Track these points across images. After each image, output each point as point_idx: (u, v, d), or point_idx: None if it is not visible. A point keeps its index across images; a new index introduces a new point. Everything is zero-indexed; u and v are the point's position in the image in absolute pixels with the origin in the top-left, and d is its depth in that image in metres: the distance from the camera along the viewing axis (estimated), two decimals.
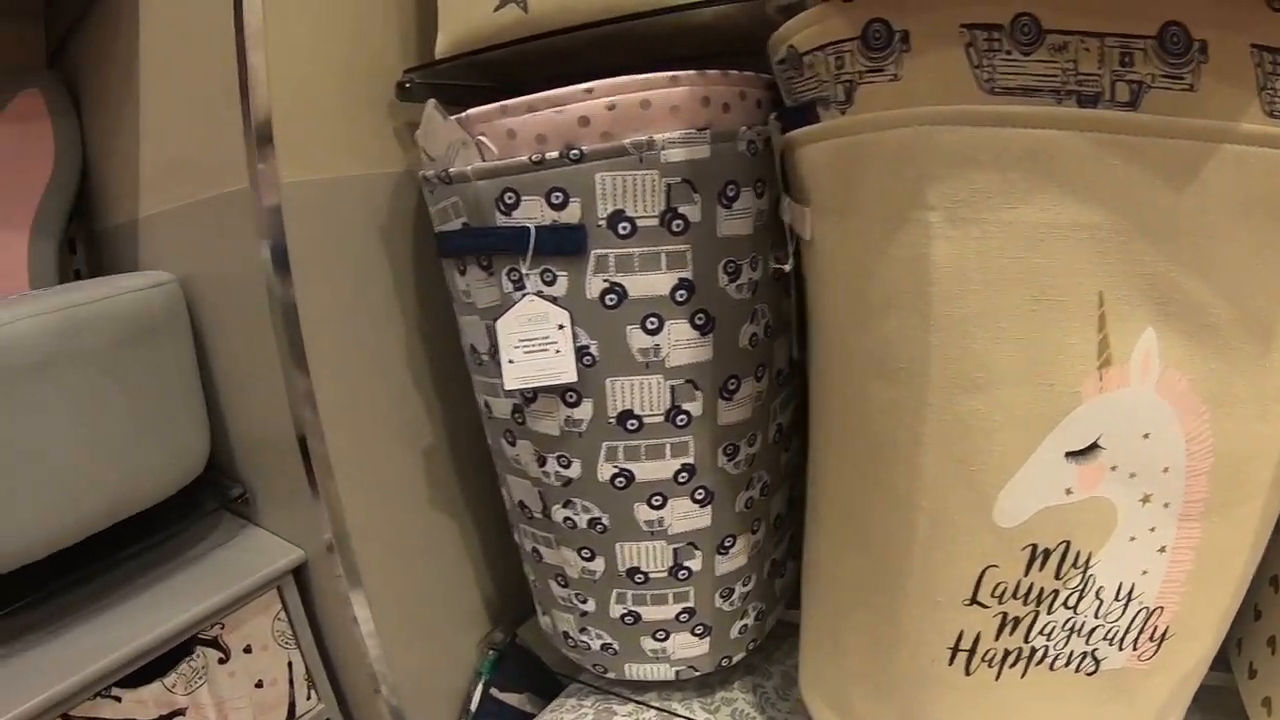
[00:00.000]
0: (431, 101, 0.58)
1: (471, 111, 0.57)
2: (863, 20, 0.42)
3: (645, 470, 0.60)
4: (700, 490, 0.62)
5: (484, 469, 0.80)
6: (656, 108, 0.54)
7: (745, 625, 0.69)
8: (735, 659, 0.71)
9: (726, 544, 0.65)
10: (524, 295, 0.57)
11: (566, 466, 0.61)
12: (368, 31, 0.68)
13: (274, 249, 0.61)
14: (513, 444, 0.64)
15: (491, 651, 0.77)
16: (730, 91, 0.57)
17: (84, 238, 0.89)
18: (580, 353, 0.57)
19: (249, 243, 0.63)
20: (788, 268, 0.58)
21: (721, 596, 0.66)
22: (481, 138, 0.57)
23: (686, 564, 0.64)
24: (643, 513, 0.62)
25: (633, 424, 0.59)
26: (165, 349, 0.69)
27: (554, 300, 0.57)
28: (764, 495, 0.66)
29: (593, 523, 0.62)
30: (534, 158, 0.54)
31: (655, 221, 0.55)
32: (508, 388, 0.57)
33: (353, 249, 0.68)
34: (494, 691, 0.76)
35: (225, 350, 0.73)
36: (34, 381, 0.61)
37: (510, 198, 0.56)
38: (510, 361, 0.57)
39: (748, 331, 0.60)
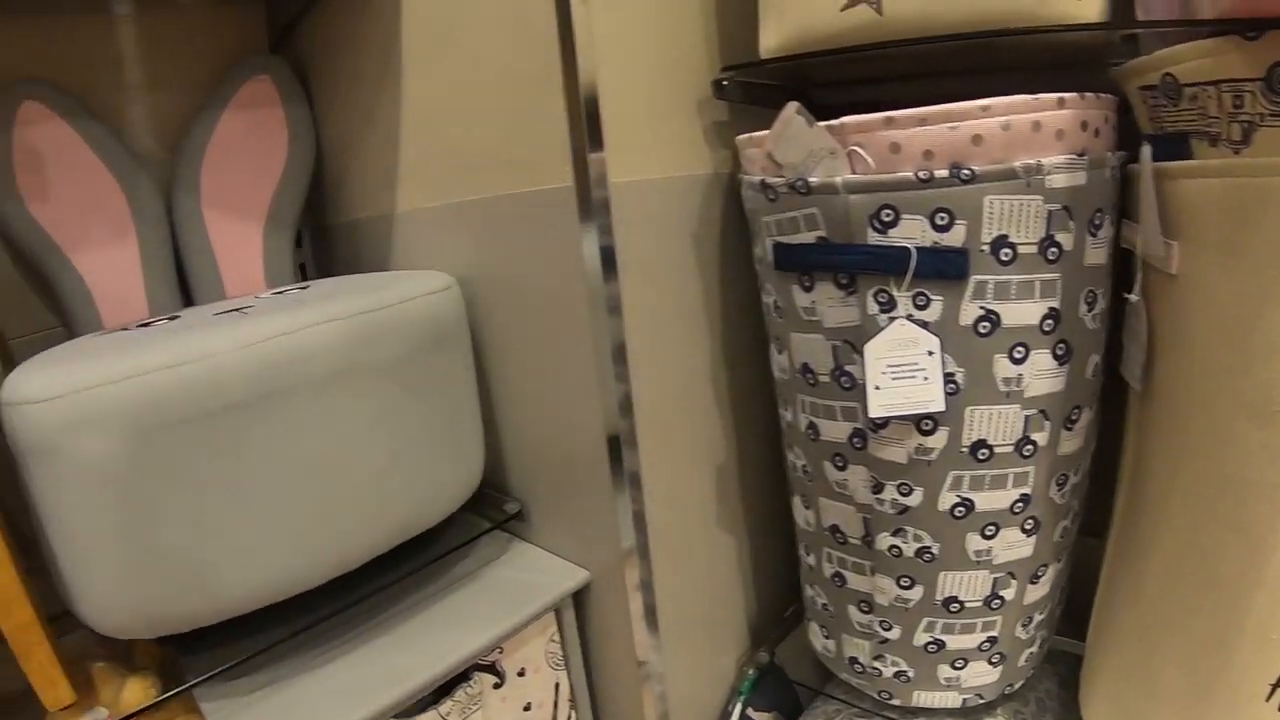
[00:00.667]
0: (794, 105, 0.56)
1: (847, 120, 0.54)
2: (1268, 62, 0.42)
3: (985, 500, 0.59)
4: (1030, 520, 0.60)
5: (768, 488, 0.79)
6: (1045, 130, 0.52)
7: (1031, 653, 0.68)
8: (1016, 686, 0.70)
9: (1039, 573, 0.63)
10: (894, 319, 0.55)
11: (907, 494, 0.59)
12: (680, 26, 0.64)
13: (603, 250, 0.58)
14: (842, 469, 0.62)
15: (752, 671, 0.75)
16: (1099, 115, 0.55)
17: (311, 231, 0.84)
18: (945, 380, 0.55)
19: (557, 242, 0.60)
20: (1135, 298, 0.56)
21: (1022, 625, 0.65)
22: (856, 148, 0.54)
23: (1001, 593, 0.62)
24: (974, 542, 0.60)
25: (984, 454, 0.57)
26: (454, 357, 0.65)
27: (924, 325, 0.55)
28: (1073, 524, 0.65)
29: (921, 552, 0.61)
30: (921, 175, 0.52)
31: (1034, 249, 0.53)
32: (873, 415, 0.55)
33: (668, 253, 0.65)
34: (749, 711, 0.75)
35: (507, 356, 0.69)
36: (326, 395, 0.57)
37: (888, 215, 0.53)
38: (877, 388, 0.55)
39: (1093, 361, 0.59)
